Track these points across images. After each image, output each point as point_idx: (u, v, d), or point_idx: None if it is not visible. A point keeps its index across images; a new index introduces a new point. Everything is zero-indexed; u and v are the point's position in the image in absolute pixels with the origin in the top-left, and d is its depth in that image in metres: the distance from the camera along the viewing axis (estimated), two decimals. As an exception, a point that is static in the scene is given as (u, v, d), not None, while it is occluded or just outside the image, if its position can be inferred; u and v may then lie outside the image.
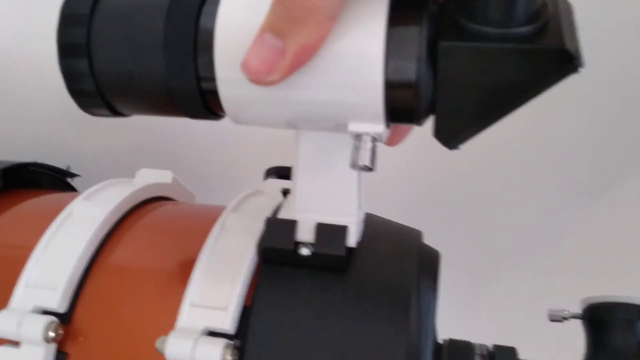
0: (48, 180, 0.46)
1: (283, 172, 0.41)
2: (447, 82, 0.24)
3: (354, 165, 0.26)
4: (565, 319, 0.36)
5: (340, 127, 0.26)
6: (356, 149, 0.26)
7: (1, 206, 0.39)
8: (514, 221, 0.52)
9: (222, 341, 0.29)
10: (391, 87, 0.24)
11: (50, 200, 0.41)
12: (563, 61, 0.23)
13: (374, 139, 0.26)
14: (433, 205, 0.45)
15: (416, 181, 0.51)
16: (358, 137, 0.26)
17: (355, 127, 0.26)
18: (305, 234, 0.31)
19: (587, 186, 0.52)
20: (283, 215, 0.32)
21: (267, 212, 0.34)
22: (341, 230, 0.30)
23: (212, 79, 0.26)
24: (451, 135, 0.26)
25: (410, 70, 0.24)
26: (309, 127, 0.28)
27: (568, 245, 0.51)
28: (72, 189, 0.48)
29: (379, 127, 0.25)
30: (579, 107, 0.50)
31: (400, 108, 0.25)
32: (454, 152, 0.27)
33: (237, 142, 0.58)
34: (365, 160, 0.25)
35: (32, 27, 0.56)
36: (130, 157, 0.59)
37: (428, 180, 0.50)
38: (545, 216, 0.51)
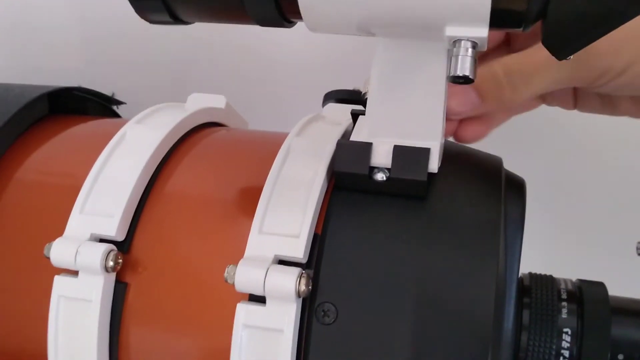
0: (93, 107, 0.43)
1: (344, 96, 0.38)
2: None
3: (452, 75, 0.23)
4: (656, 253, 0.33)
5: (433, 32, 0.23)
6: (455, 56, 0.23)
7: (48, 132, 0.37)
8: (600, 149, 0.49)
9: (296, 270, 0.26)
10: None
11: (99, 125, 0.39)
12: None
13: (475, 45, 0.23)
14: (512, 130, 0.41)
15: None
16: (457, 43, 0.23)
17: (453, 31, 0.23)
18: (380, 157, 0.28)
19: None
20: (355, 138, 0.29)
21: (336, 136, 0.31)
22: (422, 153, 0.28)
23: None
24: (563, 42, 0.23)
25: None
26: (395, 33, 0.25)
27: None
28: (117, 117, 0.46)
29: (482, 30, 0.22)
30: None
31: (509, 10, 0.22)
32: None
33: (284, 74, 0.55)
34: (465, 69, 0.22)
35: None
36: (172, 89, 0.57)
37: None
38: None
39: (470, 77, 0.22)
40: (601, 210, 0.50)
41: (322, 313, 0.27)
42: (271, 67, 0.54)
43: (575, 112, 0.41)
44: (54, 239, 0.30)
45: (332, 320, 0.27)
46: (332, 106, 0.38)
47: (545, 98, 0.37)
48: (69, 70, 0.57)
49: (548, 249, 0.46)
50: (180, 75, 0.56)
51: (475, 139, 0.35)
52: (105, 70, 0.57)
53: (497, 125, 0.36)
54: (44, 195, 0.34)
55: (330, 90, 0.39)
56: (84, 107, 0.42)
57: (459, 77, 0.23)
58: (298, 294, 0.26)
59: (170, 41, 0.55)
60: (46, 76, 0.55)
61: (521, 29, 0.23)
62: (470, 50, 0.22)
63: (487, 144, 0.35)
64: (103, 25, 0.56)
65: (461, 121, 0.35)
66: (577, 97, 0.36)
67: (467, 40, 0.22)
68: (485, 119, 0.35)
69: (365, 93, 0.35)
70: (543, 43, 0.23)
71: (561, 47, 0.23)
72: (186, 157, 0.34)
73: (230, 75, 0.55)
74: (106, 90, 0.45)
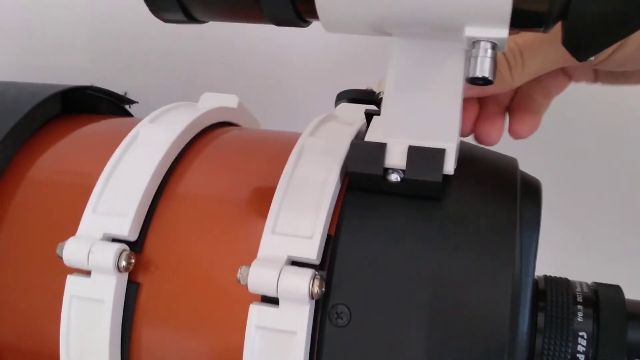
0: (106, 106, 0.43)
1: (356, 96, 0.38)
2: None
3: (471, 77, 0.22)
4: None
5: (451, 33, 0.23)
6: (474, 57, 0.22)
7: (61, 130, 0.37)
8: (616, 149, 0.48)
9: (309, 271, 0.26)
10: None
11: (111, 124, 0.39)
12: None
13: (494, 46, 0.22)
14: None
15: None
16: (476, 43, 0.22)
17: (473, 31, 0.22)
18: (395, 158, 0.28)
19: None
20: (369, 138, 0.29)
21: (350, 136, 0.31)
22: (438, 154, 0.27)
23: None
24: (584, 43, 0.22)
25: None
26: (412, 33, 0.25)
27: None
28: (130, 116, 0.46)
29: (502, 31, 0.22)
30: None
31: (530, 10, 0.22)
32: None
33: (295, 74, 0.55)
34: (485, 70, 0.22)
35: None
36: (183, 88, 0.57)
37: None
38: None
39: (489, 78, 0.22)
40: (617, 212, 0.49)
41: (336, 315, 0.27)
42: (283, 67, 0.54)
43: (590, 111, 0.41)
44: (66, 238, 0.30)
45: (346, 322, 0.27)
46: (345, 106, 0.37)
47: (572, 75, 0.36)
48: (81, 68, 0.57)
49: (563, 251, 0.46)
50: (192, 75, 0.56)
51: (533, 130, 0.35)
52: (118, 69, 0.57)
53: (544, 111, 0.36)
54: (57, 194, 0.33)
55: (342, 90, 0.39)
56: (96, 106, 0.42)
57: (477, 78, 0.22)
58: (311, 296, 0.26)
59: (183, 40, 0.55)
60: (58, 75, 0.55)
61: (542, 29, 0.23)
62: (489, 51, 0.22)
63: (501, 144, 0.34)
64: (115, 24, 0.56)
65: (513, 116, 0.34)
66: (596, 72, 0.36)
67: (487, 41, 0.22)
68: (533, 108, 0.35)
69: (380, 93, 0.35)
70: (563, 44, 0.23)
71: (582, 48, 0.23)
72: (199, 156, 0.33)
73: (242, 75, 0.55)
74: (118, 89, 0.45)
